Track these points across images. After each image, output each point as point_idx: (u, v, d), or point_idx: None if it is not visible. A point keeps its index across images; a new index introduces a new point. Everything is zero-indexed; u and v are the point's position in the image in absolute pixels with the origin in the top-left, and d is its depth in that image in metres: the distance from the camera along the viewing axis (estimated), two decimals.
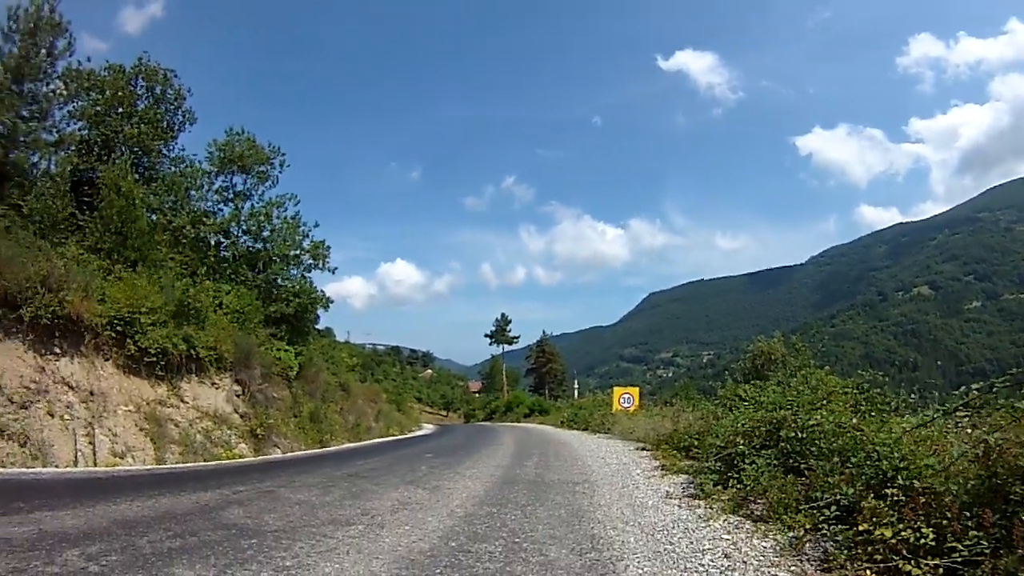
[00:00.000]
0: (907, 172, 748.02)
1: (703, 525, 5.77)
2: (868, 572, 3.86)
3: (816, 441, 6.09)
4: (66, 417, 10.20)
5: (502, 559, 4.73)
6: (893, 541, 3.88)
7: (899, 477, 4.42)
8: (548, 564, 4.61)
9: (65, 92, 14.78)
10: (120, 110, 19.46)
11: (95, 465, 9.97)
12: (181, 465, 11.38)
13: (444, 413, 78.29)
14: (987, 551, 3.53)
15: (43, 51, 13.80)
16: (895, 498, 4.22)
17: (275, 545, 4.93)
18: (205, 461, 12.04)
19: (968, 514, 3.79)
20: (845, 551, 4.23)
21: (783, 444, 6.56)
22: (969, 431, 4.90)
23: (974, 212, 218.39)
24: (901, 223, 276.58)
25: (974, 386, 5.62)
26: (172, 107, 21.33)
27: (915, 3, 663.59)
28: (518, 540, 5.35)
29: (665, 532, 5.62)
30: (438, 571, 4.37)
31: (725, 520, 5.84)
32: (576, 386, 65.54)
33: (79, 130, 18.18)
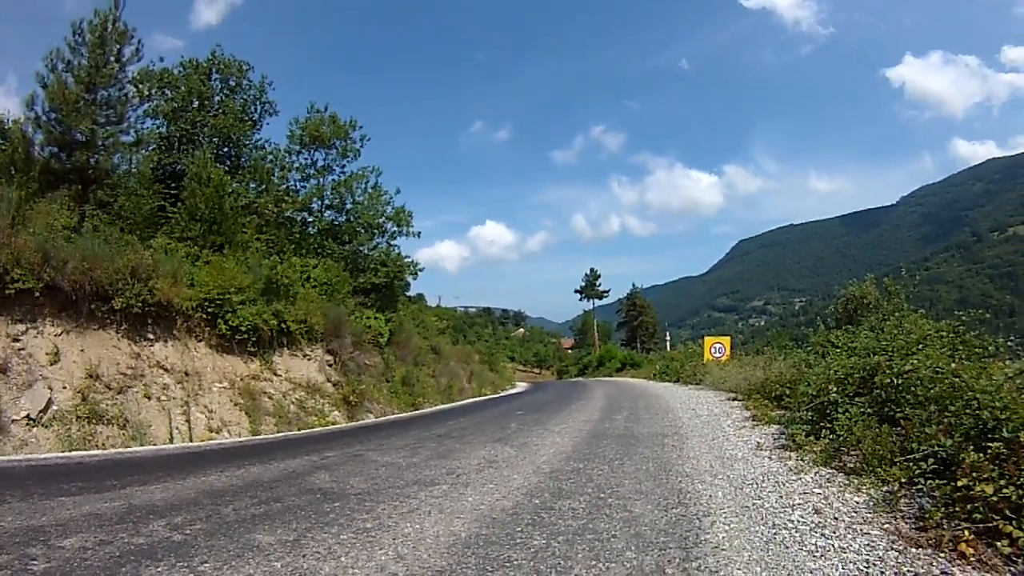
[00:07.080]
0: (1003, 103, 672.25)
1: (793, 478, 5.49)
2: (966, 532, 3.52)
3: (912, 388, 5.72)
4: (162, 398, 10.68)
5: (585, 516, 4.52)
6: (994, 499, 3.56)
7: (1001, 428, 3.99)
8: (632, 520, 4.38)
9: (139, 95, 15.13)
10: (196, 104, 20.16)
11: (191, 441, 10.39)
12: (275, 435, 11.75)
13: (537, 370, 78.76)
14: None
15: (111, 60, 14.04)
16: (997, 452, 3.83)
17: (358, 507, 4.89)
18: (299, 430, 12.40)
19: None
20: (942, 508, 3.91)
21: (877, 392, 6.19)
22: None
23: None
24: (996, 158, 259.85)
25: None
26: (251, 97, 21.88)
27: None
28: (603, 496, 5.15)
29: (754, 486, 5.36)
30: (519, 529, 4.17)
31: (817, 473, 5.55)
32: (668, 338, 64.08)
33: (157, 127, 18.88)
